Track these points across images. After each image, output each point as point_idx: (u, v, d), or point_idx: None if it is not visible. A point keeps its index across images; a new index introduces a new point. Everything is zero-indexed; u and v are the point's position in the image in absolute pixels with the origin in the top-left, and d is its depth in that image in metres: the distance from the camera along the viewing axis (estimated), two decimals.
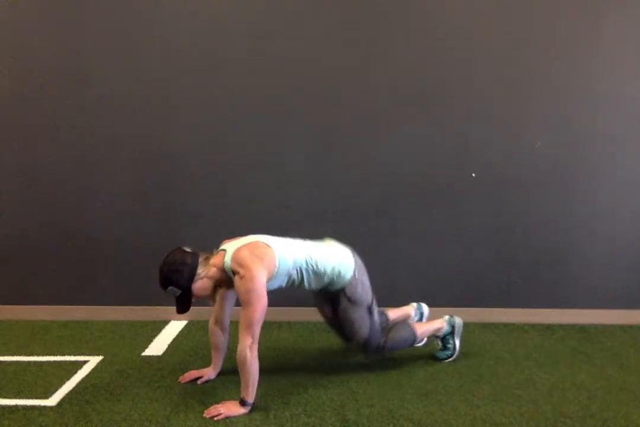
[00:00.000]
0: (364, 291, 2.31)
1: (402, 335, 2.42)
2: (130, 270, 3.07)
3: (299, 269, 2.18)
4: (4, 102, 2.96)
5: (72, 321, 3.09)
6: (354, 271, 2.28)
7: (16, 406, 2.14)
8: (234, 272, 2.06)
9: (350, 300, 2.28)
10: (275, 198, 2.98)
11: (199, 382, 2.32)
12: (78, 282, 3.10)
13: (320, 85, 2.87)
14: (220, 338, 2.34)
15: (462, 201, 2.94)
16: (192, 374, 2.36)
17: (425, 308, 2.72)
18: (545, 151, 2.87)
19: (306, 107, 2.90)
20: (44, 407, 2.13)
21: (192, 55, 2.87)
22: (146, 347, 2.74)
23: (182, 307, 2.11)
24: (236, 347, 2.03)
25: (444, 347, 2.53)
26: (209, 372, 2.36)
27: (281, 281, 2.19)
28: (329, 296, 2.32)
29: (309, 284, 2.25)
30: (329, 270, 2.22)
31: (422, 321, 2.68)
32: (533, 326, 2.95)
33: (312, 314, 3.04)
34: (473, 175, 2.90)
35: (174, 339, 2.84)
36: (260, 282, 2.01)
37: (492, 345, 2.71)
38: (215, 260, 2.12)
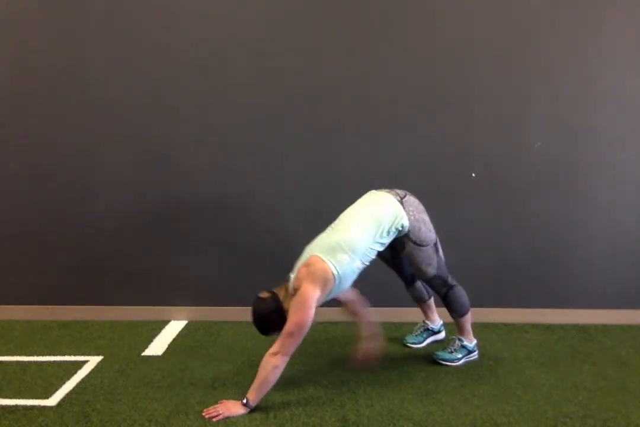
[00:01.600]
0: (427, 229, 2.31)
1: (465, 297, 2.45)
2: (130, 270, 3.07)
3: (367, 254, 2.19)
4: (4, 102, 2.96)
5: (72, 321, 3.09)
6: (409, 214, 2.26)
7: (16, 406, 2.14)
8: (295, 291, 2.11)
9: (416, 243, 2.29)
10: (275, 198, 2.98)
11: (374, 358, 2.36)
12: (78, 282, 3.10)
13: (320, 86, 2.87)
14: (351, 305, 2.42)
15: (462, 201, 2.94)
16: (366, 350, 2.37)
17: (477, 353, 2.56)
18: (545, 151, 2.87)
19: (306, 107, 2.89)
20: (44, 407, 2.14)
21: (193, 56, 2.87)
22: (146, 347, 2.74)
23: None
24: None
25: (454, 351, 2.49)
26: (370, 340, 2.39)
27: (355, 275, 2.21)
28: (393, 244, 2.31)
29: (383, 248, 2.26)
30: (389, 231, 2.21)
31: (469, 355, 2.53)
32: (533, 326, 2.95)
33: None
34: (473, 175, 2.90)
35: (174, 339, 2.84)
36: (308, 298, 2.04)
37: (492, 345, 2.71)
38: (290, 288, 2.15)
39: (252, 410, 2.07)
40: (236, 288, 3.01)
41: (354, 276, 2.20)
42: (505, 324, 2.98)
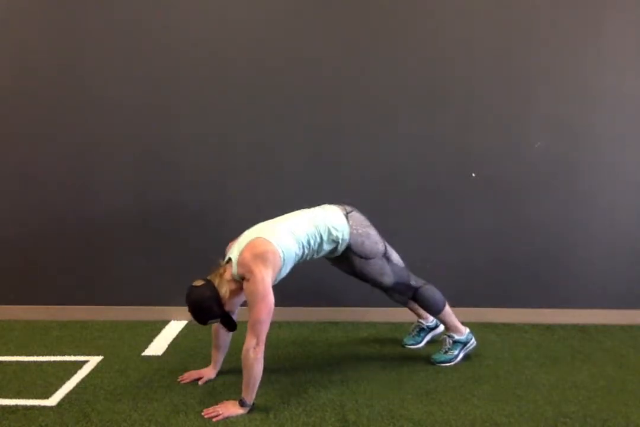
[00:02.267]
0: (372, 242, 2.32)
1: (436, 295, 2.44)
2: (130, 270, 3.07)
3: (304, 246, 2.20)
4: (3, 102, 2.96)
5: (72, 321, 3.09)
6: (352, 228, 2.28)
7: (16, 406, 2.14)
8: (242, 278, 2.09)
9: (362, 256, 2.31)
10: (274, 198, 2.97)
11: (199, 382, 2.32)
12: (78, 282, 3.10)
13: (320, 86, 2.87)
14: (223, 337, 2.34)
15: (462, 201, 2.94)
16: (192, 374, 2.36)
17: (474, 342, 2.54)
18: (545, 151, 2.87)
19: (306, 107, 2.90)
20: (44, 407, 2.13)
21: (193, 56, 2.87)
22: (146, 347, 2.74)
23: (230, 327, 2.16)
24: (239, 347, 2.03)
25: (448, 350, 2.48)
26: (209, 372, 2.36)
27: (292, 264, 2.22)
28: (341, 258, 2.35)
29: (317, 254, 2.29)
30: (325, 236, 2.23)
31: (466, 348, 2.51)
32: (533, 326, 2.95)
33: (312, 314, 3.06)
34: (473, 175, 2.90)
35: (174, 339, 2.84)
36: (264, 283, 2.02)
37: (492, 345, 2.71)
38: (226, 274, 2.13)
39: (252, 410, 2.07)
40: None
41: (291, 265, 2.21)
42: (505, 324, 2.97)
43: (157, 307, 3.08)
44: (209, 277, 2.12)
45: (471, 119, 2.87)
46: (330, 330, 2.93)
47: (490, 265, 2.99)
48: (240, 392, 2.07)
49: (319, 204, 2.41)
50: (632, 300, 2.98)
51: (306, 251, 2.23)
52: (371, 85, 2.86)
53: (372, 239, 2.33)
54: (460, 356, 2.49)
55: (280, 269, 2.14)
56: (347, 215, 2.32)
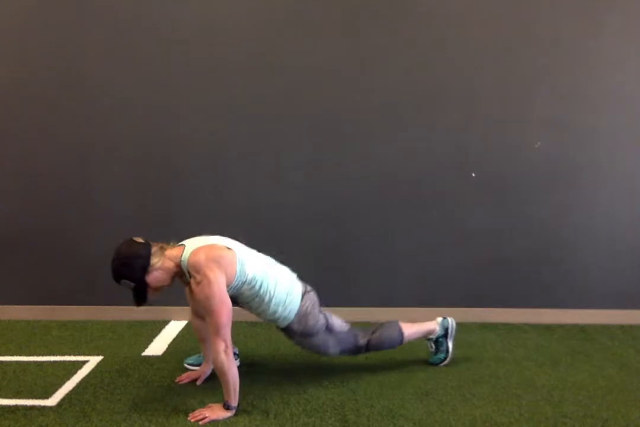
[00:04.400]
0: (314, 319, 2.21)
1: (388, 334, 2.36)
2: None
3: (253, 285, 2.08)
4: (3, 102, 2.96)
5: (72, 321, 3.09)
6: (302, 307, 2.18)
7: (16, 406, 2.14)
8: (190, 275, 2.02)
9: (302, 334, 2.22)
10: (274, 199, 2.98)
11: (197, 382, 2.32)
12: (78, 282, 3.10)
13: (319, 87, 2.87)
14: (204, 330, 2.27)
15: (462, 201, 2.94)
16: (189, 375, 2.35)
17: (451, 322, 2.47)
18: (545, 151, 2.87)
19: (305, 108, 2.90)
20: (44, 407, 2.13)
21: (192, 57, 2.88)
22: (146, 347, 2.74)
23: (139, 298, 2.06)
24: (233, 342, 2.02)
25: (437, 351, 2.47)
26: (204, 369, 2.35)
27: (235, 291, 2.08)
28: (281, 329, 2.27)
29: (256, 305, 2.14)
30: (276, 297, 2.12)
31: (449, 336, 2.48)
32: (533, 326, 2.95)
33: None
34: (473, 175, 2.90)
35: (174, 339, 2.84)
36: (218, 287, 1.95)
37: (492, 345, 2.71)
38: (172, 252, 2.05)
39: (237, 412, 2.05)
40: None
41: (234, 289, 2.07)
42: (505, 324, 2.97)
43: (157, 307, 3.07)
44: (151, 242, 2.05)
45: (471, 119, 2.87)
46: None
47: (490, 265, 2.99)
48: (240, 391, 2.06)
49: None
50: (632, 300, 2.98)
51: (251, 290, 2.09)
52: (371, 86, 2.86)
53: (315, 318, 2.21)
54: (450, 346, 2.45)
55: (232, 282, 2.03)
56: (304, 293, 2.22)
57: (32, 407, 2.13)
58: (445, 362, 2.46)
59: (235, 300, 2.12)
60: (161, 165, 2.98)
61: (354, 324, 3.00)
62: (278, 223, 2.98)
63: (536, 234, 2.95)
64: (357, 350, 2.32)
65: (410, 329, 2.41)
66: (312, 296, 2.27)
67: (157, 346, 2.74)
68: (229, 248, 2.07)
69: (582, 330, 2.90)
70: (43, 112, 2.95)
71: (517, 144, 2.87)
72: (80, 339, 2.85)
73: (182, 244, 2.11)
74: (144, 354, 2.65)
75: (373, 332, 2.35)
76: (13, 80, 2.94)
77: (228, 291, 2.02)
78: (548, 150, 2.87)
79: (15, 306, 3.14)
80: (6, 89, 2.95)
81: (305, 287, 2.26)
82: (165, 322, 3.07)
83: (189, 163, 2.97)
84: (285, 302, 2.15)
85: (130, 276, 2.00)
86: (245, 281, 2.07)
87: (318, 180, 2.95)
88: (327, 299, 3.04)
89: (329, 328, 2.25)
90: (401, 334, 2.38)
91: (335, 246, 2.99)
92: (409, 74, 2.85)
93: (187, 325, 3.04)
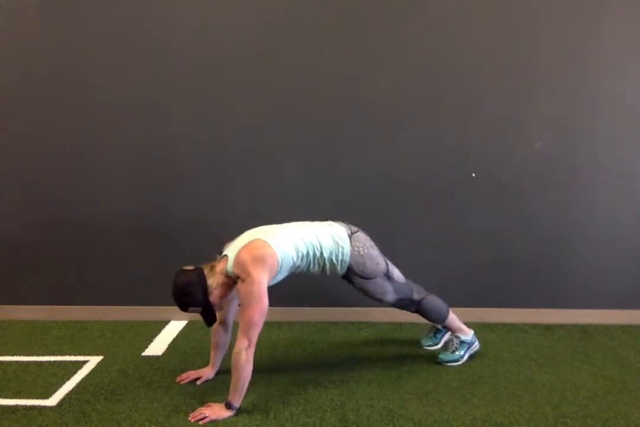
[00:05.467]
0: (373, 263, 2.30)
1: (439, 303, 2.47)
2: (130, 270, 3.07)
3: (302, 256, 2.19)
4: (3, 102, 2.96)
5: (72, 321, 3.09)
6: (354, 249, 2.26)
7: (16, 406, 2.14)
8: (237, 276, 2.07)
9: (362, 277, 2.29)
10: (274, 199, 2.98)
11: (197, 382, 2.32)
12: (78, 282, 3.11)
13: (319, 87, 2.87)
14: (222, 338, 2.34)
15: (462, 201, 2.94)
16: (190, 374, 2.36)
17: (477, 342, 2.56)
18: (545, 151, 2.87)
19: (305, 108, 2.89)
20: (44, 407, 2.14)
21: (193, 57, 2.87)
22: (146, 347, 2.74)
23: (209, 320, 2.14)
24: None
25: (454, 351, 2.50)
26: (208, 372, 2.36)
27: (287, 272, 2.21)
28: (343, 276, 2.34)
29: (315, 269, 2.26)
30: (326, 253, 2.22)
31: (471, 349, 2.53)
32: (533, 326, 2.95)
33: (312, 314, 3.06)
34: (473, 175, 2.90)
35: (174, 339, 2.84)
36: (260, 285, 2.01)
37: (492, 345, 2.71)
38: (220, 267, 2.12)
39: (238, 413, 2.05)
40: None
41: (286, 273, 2.20)
42: (505, 324, 2.97)
43: (157, 307, 3.07)
44: (200, 266, 2.13)
45: (471, 119, 2.87)
46: (330, 330, 2.93)
47: (490, 265, 2.99)
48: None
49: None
50: (632, 300, 2.98)
51: (304, 262, 2.21)
52: (371, 86, 2.86)
53: (374, 260, 2.30)
54: (466, 356, 2.50)
55: (276, 274, 2.13)
56: (351, 235, 2.29)
57: (32, 407, 2.13)
58: (454, 364, 2.47)
59: (300, 272, 2.27)
60: (161, 165, 2.98)
61: (353, 323, 3.01)
62: (278, 223, 2.98)
63: (536, 233, 2.94)
64: (410, 303, 2.42)
65: (454, 316, 2.52)
66: (360, 236, 2.33)
67: (157, 346, 2.75)
68: (268, 244, 2.10)
69: (582, 330, 2.90)
70: (43, 112, 2.95)
71: (517, 144, 2.87)
72: (80, 339, 2.85)
73: (224, 255, 2.15)
74: (144, 354, 2.65)
75: (428, 294, 2.46)
76: (13, 81, 2.94)
77: (286, 272, 2.17)
78: (548, 150, 2.86)
79: (15, 306, 3.14)
80: (6, 89, 2.94)
81: (350, 229, 2.33)
82: (165, 322, 3.07)
83: (189, 163, 2.97)
84: (336, 251, 2.23)
85: (194, 303, 2.08)
86: (294, 262, 2.17)
87: (318, 180, 2.95)
88: (328, 299, 3.07)
89: (388, 274, 2.34)
90: (447, 311, 2.48)
91: None
92: (409, 74, 2.85)
93: (187, 325, 3.04)
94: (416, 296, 2.41)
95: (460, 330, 2.52)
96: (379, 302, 2.39)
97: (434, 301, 2.46)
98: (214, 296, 2.09)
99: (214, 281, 2.08)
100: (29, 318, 3.12)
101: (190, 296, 2.05)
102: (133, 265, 3.07)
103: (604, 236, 2.93)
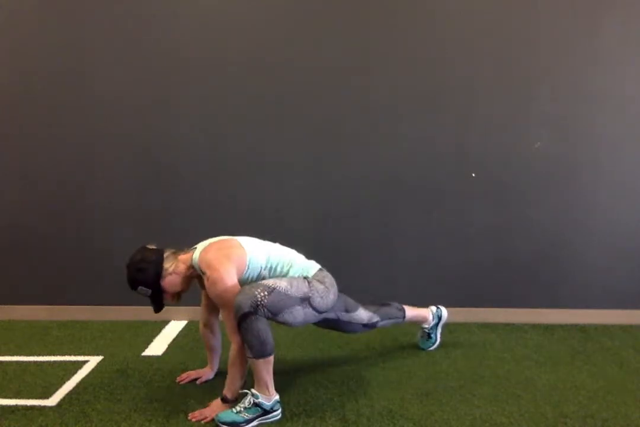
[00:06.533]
0: (330, 297, 2.13)
1: (392, 321, 2.47)
2: None
3: (270, 269, 2.09)
4: (3, 102, 2.96)
5: (72, 321, 3.09)
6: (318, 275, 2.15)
7: (16, 406, 2.14)
8: (203, 272, 2.03)
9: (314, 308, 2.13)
10: (274, 199, 2.98)
11: (197, 382, 2.32)
12: (78, 282, 3.11)
13: (320, 87, 2.87)
14: (211, 340, 2.33)
15: (462, 201, 2.94)
16: (190, 374, 2.36)
17: (444, 312, 2.63)
18: (545, 152, 2.87)
19: (305, 108, 2.90)
20: (44, 407, 2.13)
21: (193, 56, 2.88)
22: (146, 347, 2.74)
23: (156, 304, 2.10)
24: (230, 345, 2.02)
25: (428, 337, 2.61)
26: (207, 372, 2.35)
27: (250, 280, 2.08)
28: None
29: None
30: (293, 274, 2.11)
31: (440, 324, 2.62)
32: (533, 326, 2.95)
33: None
34: (473, 175, 2.90)
35: (174, 339, 2.84)
36: (229, 283, 1.95)
37: (492, 345, 2.71)
38: (185, 256, 2.09)
39: (235, 402, 2.03)
40: None
41: (249, 280, 2.07)
42: (505, 324, 2.98)
43: None
44: (164, 249, 2.09)
45: (471, 119, 2.87)
46: (330, 330, 2.92)
47: (490, 265, 2.99)
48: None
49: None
50: (632, 300, 2.98)
51: (269, 275, 2.09)
52: (371, 85, 2.86)
53: (330, 297, 2.13)
54: (439, 334, 2.63)
55: (242, 275, 2.04)
56: (320, 269, 2.18)
57: (32, 407, 2.13)
58: (433, 347, 2.61)
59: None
60: (161, 166, 2.98)
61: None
62: (278, 223, 2.98)
63: (536, 233, 2.95)
64: (366, 327, 2.40)
65: (410, 312, 2.52)
66: (328, 274, 2.19)
67: (157, 346, 2.75)
68: (239, 244, 2.08)
69: (582, 330, 2.90)
70: (43, 112, 2.95)
71: (517, 144, 2.87)
72: (80, 339, 2.85)
73: (194, 247, 2.13)
74: (144, 354, 2.65)
75: (378, 309, 2.42)
76: (13, 81, 2.94)
77: (249, 279, 2.05)
78: (548, 150, 2.87)
79: (15, 306, 3.14)
80: (6, 89, 2.95)
81: (320, 267, 2.24)
82: (165, 322, 3.07)
83: (189, 163, 2.97)
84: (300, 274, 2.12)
85: (144, 282, 2.03)
86: (261, 271, 2.08)
87: (318, 180, 2.95)
88: None
89: (347, 310, 2.31)
90: (402, 317, 2.49)
91: (335, 246, 2.99)
92: (409, 74, 2.85)
93: (187, 325, 3.04)
94: (374, 320, 2.39)
95: (422, 319, 2.57)
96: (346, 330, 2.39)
97: (386, 322, 2.44)
98: (167, 282, 2.04)
99: (170, 266, 2.04)
100: (29, 318, 3.12)
101: (142, 273, 2.01)
102: None
103: (604, 236, 2.93)
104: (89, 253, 3.08)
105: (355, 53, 2.84)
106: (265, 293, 1.92)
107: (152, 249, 2.09)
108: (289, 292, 1.97)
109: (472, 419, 2.01)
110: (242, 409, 1.98)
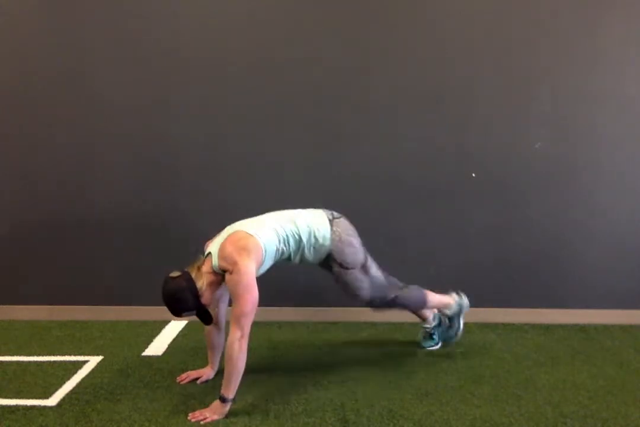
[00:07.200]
0: (352, 252, 2.27)
1: (414, 295, 2.46)
2: (130, 270, 3.07)
3: (285, 243, 2.19)
4: (3, 102, 2.96)
5: (72, 321, 3.09)
6: (334, 234, 2.24)
7: (16, 406, 2.14)
8: (224, 270, 2.06)
9: (341, 265, 2.27)
10: (274, 198, 2.97)
11: (198, 382, 2.32)
12: (78, 282, 3.10)
13: (320, 87, 2.87)
14: (215, 338, 2.34)
15: (462, 202, 2.94)
16: (190, 374, 2.36)
17: (465, 301, 2.62)
18: (545, 152, 2.87)
19: (305, 108, 2.90)
20: (44, 407, 2.13)
21: (193, 56, 2.88)
22: (146, 347, 2.74)
23: (206, 320, 2.14)
24: None
25: (450, 326, 2.58)
26: (207, 372, 2.35)
27: (273, 261, 2.21)
28: (323, 264, 2.34)
29: (297, 254, 2.25)
30: (305, 237, 2.21)
31: (462, 313, 2.62)
32: (533, 326, 2.95)
33: (312, 314, 3.06)
34: (473, 175, 2.90)
35: (174, 339, 2.84)
36: (248, 275, 2.00)
37: (492, 345, 2.71)
38: (206, 266, 2.11)
39: (234, 403, 2.04)
40: None
41: (271, 261, 2.19)
42: (505, 324, 2.98)
43: (157, 307, 3.04)
44: (186, 269, 2.10)
45: (471, 119, 2.87)
46: (330, 330, 2.93)
47: (490, 265, 2.99)
48: (239, 391, 2.06)
49: (318, 208, 2.39)
50: (632, 300, 2.98)
51: (287, 247, 2.21)
52: (371, 86, 2.86)
53: (354, 249, 2.29)
54: (462, 322, 2.59)
55: (263, 262, 2.13)
56: (332, 220, 2.28)
57: (32, 407, 2.13)
58: (457, 337, 2.57)
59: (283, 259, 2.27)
60: (161, 165, 2.98)
61: (353, 323, 3.01)
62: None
63: (536, 233, 2.94)
64: (385, 302, 2.38)
65: (433, 298, 2.52)
66: (342, 222, 2.31)
67: (157, 346, 2.75)
68: (250, 234, 2.10)
69: (582, 330, 2.90)
70: (43, 112, 2.95)
71: (517, 144, 2.87)
72: (80, 339, 2.85)
73: (208, 253, 2.14)
74: (144, 354, 2.65)
75: (402, 287, 2.43)
76: (13, 81, 2.94)
77: (272, 260, 2.16)
78: (548, 150, 2.87)
79: (15, 306, 3.14)
80: (6, 89, 2.95)
81: (332, 215, 2.32)
82: (165, 322, 3.07)
83: (189, 163, 2.97)
84: (315, 234, 2.22)
85: (187, 308, 2.07)
86: (277, 247, 2.16)
87: (318, 180, 2.95)
88: (328, 299, 3.06)
89: (364, 268, 2.31)
90: (424, 299, 2.48)
91: None
92: (409, 73, 2.85)
93: (187, 325, 3.04)
94: (391, 295, 2.38)
95: (445, 305, 2.56)
96: (354, 299, 2.36)
97: (408, 295, 2.44)
98: (206, 298, 2.08)
99: (203, 283, 2.07)
100: (29, 318, 3.12)
101: (182, 302, 2.04)
102: (133, 265, 3.07)
103: (603, 236, 2.93)
104: (89, 253, 3.08)
105: (355, 53, 2.84)
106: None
107: (178, 275, 2.08)
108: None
109: (472, 419, 2.01)
110: (449, 325, 2.56)
